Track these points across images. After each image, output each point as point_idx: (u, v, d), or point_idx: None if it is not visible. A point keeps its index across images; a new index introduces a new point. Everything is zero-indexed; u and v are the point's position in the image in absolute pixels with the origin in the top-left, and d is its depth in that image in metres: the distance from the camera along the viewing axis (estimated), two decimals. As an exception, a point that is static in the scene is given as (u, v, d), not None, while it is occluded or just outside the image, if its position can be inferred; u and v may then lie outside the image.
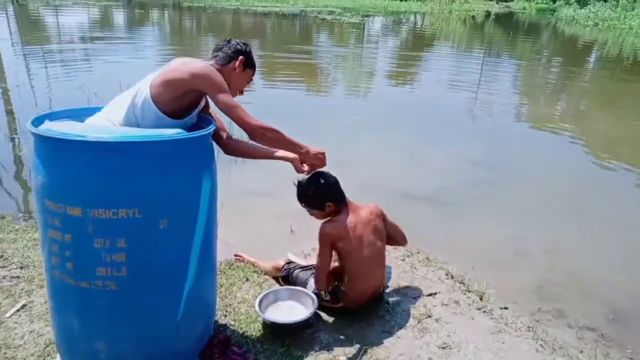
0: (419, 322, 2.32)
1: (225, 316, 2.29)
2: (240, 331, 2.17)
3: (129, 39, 14.03)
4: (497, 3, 40.20)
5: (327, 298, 2.29)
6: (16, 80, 7.20)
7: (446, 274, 2.78)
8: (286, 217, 3.29)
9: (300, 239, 3.09)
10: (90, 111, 1.91)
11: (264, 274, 2.66)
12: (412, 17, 27.56)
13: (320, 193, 2.22)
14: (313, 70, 10.57)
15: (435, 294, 2.56)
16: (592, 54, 16.46)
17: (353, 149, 5.15)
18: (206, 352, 1.95)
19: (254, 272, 2.68)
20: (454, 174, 4.63)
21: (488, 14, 31.87)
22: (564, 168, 5.17)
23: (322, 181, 2.20)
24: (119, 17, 20.31)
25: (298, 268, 2.52)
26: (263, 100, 7.32)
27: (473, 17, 29.78)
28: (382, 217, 2.41)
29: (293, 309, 2.29)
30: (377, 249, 2.31)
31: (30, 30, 14.38)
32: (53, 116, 1.78)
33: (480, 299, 2.57)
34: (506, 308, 2.55)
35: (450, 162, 4.95)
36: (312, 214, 2.32)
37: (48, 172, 1.57)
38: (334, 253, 2.27)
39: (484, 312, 2.45)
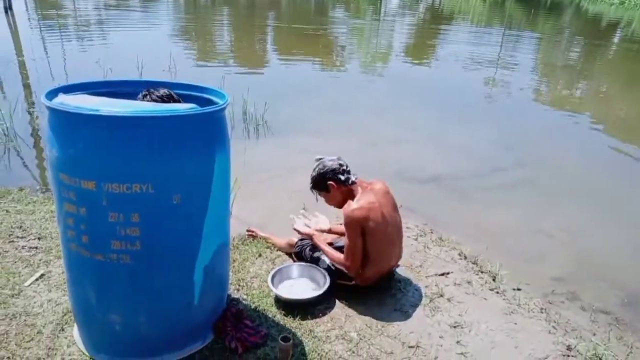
0: (430, 301, 2.31)
1: (238, 290, 2.31)
2: (253, 305, 2.19)
3: (144, 12, 13.96)
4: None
5: (352, 279, 2.29)
6: (33, 53, 7.24)
7: (459, 254, 2.77)
8: (300, 194, 3.29)
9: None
10: (106, 85, 1.90)
11: (277, 250, 2.67)
12: (430, -6, 26.86)
13: (321, 174, 2.26)
14: (328, 46, 10.42)
15: (447, 273, 2.55)
16: (617, 33, 15.93)
17: (368, 129, 5.11)
18: (219, 325, 1.97)
19: (267, 248, 2.70)
20: (470, 155, 4.57)
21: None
22: (582, 151, 5.06)
23: (319, 164, 2.28)
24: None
25: (309, 245, 2.52)
26: (278, 76, 7.27)
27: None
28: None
29: (305, 286, 2.31)
30: (397, 223, 2.32)
31: (47, 3, 14.39)
32: (68, 89, 1.77)
33: (493, 280, 2.56)
34: (519, 289, 2.53)
35: (466, 143, 4.88)
36: (326, 200, 2.35)
37: (62, 146, 1.57)
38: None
39: (497, 292, 2.44)
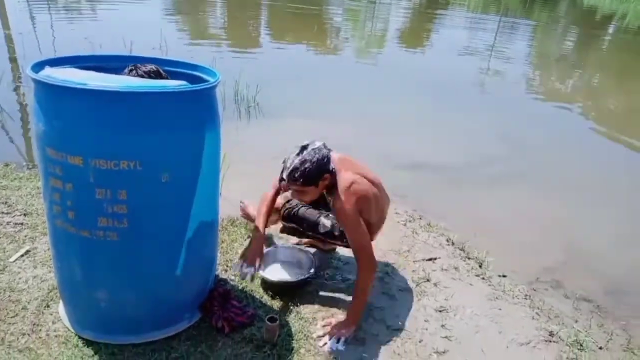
0: (417, 285, 2.34)
1: (226, 271, 2.31)
2: (240, 286, 2.20)
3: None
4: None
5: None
6: (20, 27, 7.06)
7: (447, 240, 2.79)
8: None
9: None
10: (94, 59, 1.86)
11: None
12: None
13: (320, 166, 1.90)
14: (323, 28, 10.32)
15: (435, 259, 2.57)
16: (611, 25, 15.96)
17: (360, 114, 5.09)
18: (206, 305, 1.97)
19: (256, 230, 2.69)
20: (462, 144, 4.59)
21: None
22: (574, 142, 5.10)
23: (315, 154, 1.90)
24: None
25: (303, 206, 2.26)
26: (271, 58, 7.19)
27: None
28: None
29: (292, 268, 2.31)
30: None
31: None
32: (54, 62, 1.73)
33: (480, 266, 2.59)
34: (504, 276, 2.56)
35: (458, 132, 4.89)
36: (300, 196, 2.00)
37: (49, 119, 1.53)
38: None
39: (483, 279, 2.47)
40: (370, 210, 2.03)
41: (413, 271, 2.44)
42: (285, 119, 4.62)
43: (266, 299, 2.14)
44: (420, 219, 3.02)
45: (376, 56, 8.64)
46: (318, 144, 1.95)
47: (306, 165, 1.87)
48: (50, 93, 1.53)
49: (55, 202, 1.63)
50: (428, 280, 2.38)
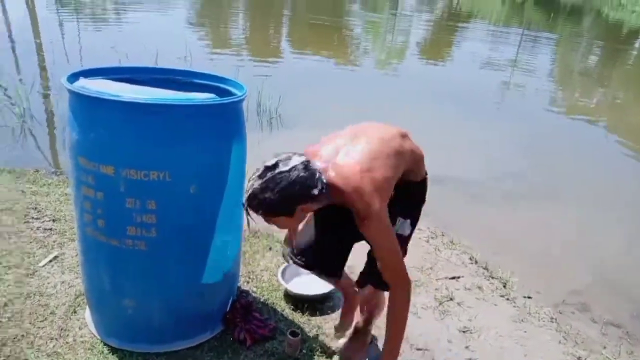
0: (440, 304, 2.30)
1: (248, 282, 2.31)
2: (262, 298, 2.20)
3: (162, 0, 13.96)
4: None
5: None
6: (50, 36, 7.26)
7: (470, 259, 2.75)
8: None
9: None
10: (126, 71, 1.89)
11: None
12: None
13: (288, 196, 1.36)
14: (344, 40, 10.37)
15: (458, 277, 2.54)
16: (637, 40, 15.70)
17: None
18: (229, 316, 1.98)
19: (277, 242, 2.69)
20: (484, 158, 4.53)
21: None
22: (599, 159, 5.00)
23: (280, 179, 1.36)
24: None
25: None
26: (292, 69, 7.25)
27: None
28: None
29: (314, 282, 2.30)
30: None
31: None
32: (88, 73, 1.77)
33: (504, 286, 2.54)
34: (529, 297, 2.51)
35: (480, 146, 4.84)
36: (279, 225, 1.49)
37: (82, 130, 1.57)
38: None
39: (507, 299, 2.42)
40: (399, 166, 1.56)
41: (436, 289, 2.41)
42: (307, 130, 4.62)
43: (288, 312, 2.13)
44: (443, 235, 2.99)
45: (397, 68, 8.64)
46: (294, 161, 1.38)
47: (266, 195, 1.35)
48: (84, 104, 1.56)
49: (86, 210, 1.66)
50: (451, 299, 2.34)
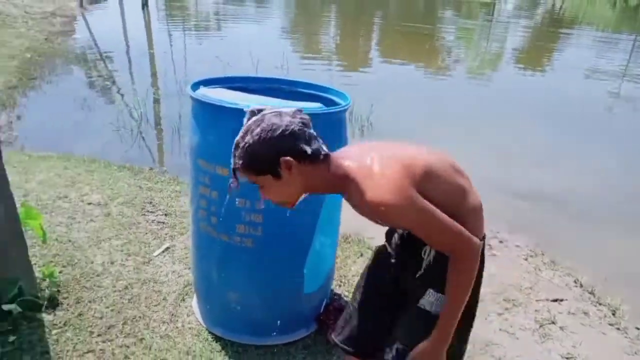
0: (541, 326, 2.18)
1: (340, 286, 2.36)
2: (354, 303, 2.23)
3: (258, 7, 14.71)
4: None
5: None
6: (162, 46, 7.97)
7: (574, 282, 2.57)
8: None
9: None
10: (239, 80, 2.04)
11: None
12: (551, -2, 25.05)
13: (266, 142, 1.12)
14: (436, 48, 10.18)
15: (560, 300, 2.39)
16: None
17: (476, 138, 4.91)
18: (322, 317, 2.04)
19: (368, 248, 2.72)
20: (590, 176, 4.21)
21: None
22: None
23: (259, 125, 1.13)
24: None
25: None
26: (383, 77, 7.27)
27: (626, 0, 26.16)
28: None
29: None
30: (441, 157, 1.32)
31: (173, 2, 15.73)
32: (207, 83, 1.94)
33: (613, 314, 2.35)
34: (643, 329, 2.29)
35: (586, 163, 4.50)
36: (265, 192, 1.25)
37: (203, 133, 1.73)
38: None
39: (617, 329, 2.24)
40: (439, 183, 1.19)
41: (536, 311, 2.29)
42: (398, 139, 4.62)
43: (379, 319, 2.14)
44: (543, 254, 2.83)
45: (492, 76, 8.30)
46: (283, 110, 1.17)
47: (246, 139, 1.14)
48: (206, 111, 1.72)
49: (201, 207, 1.81)
50: (553, 323, 2.21)
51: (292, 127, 1.13)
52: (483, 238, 1.27)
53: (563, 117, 5.81)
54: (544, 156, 4.62)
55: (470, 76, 8.11)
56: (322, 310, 2.08)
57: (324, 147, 1.19)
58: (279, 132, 1.12)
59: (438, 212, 1.12)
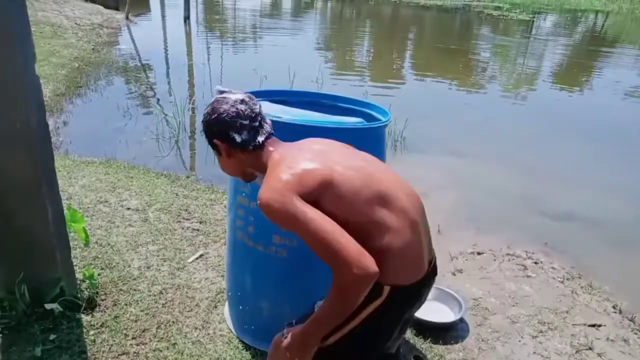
0: (577, 351, 2.12)
1: (370, 301, 2.35)
2: (383, 319, 2.22)
3: (294, 21, 14.97)
4: None
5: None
6: (202, 58, 8.21)
7: (613, 307, 2.48)
8: (433, 215, 3.25)
9: (446, 239, 3.02)
10: (281, 94, 2.09)
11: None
12: (592, 17, 24.49)
13: (206, 123, 1.30)
14: (470, 65, 10.09)
15: (598, 325, 2.31)
16: None
17: (510, 156, 4.84)
18: (352, 332, 2.03)
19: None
20: (629, 198, 4.06)
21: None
22: None
23: (209, 106, 1.31)
24: (287, 5, 21.73)
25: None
26: (417, 92, 7.26)
27: (673, 18, 25.29)
28: None
29: (439, 310, 2.27)
30: (382, 172, 1.30)
31: (212, 11, 16.21)
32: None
33: (655, 344, 2.25)
34: (687, 361, 2.19)
35: (626, 185, 4.35)
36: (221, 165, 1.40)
37: (245, 144, 1.77)
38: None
39: (659, 359, 2.15)
40: (338, 200, 1.16)
41: (572, 335, 2.22)
42: (431, 155, 4.60)
43: (409, 336, 2.13)
44: (580, 277, 2.74)
45: (527, 95, 8.15)
46: (231, 94, 1.30)
47: (204, 112, 1.32)
48: (249, 122, 1.76)
49: (239, 216, 1.86)
50: (590, 349, 2.14)
51: (224, 115, 1.26)
52: (408, 286, 1.19)
53: (600, 138, 5.64)
54: (582, 176, 4.50)
55: (505, 93, 7.99)
56: (352, 323, 2.07)
57: (260, 139, 1.29)
58: (214, 117, 1.28)
59: (319, 223, 1.11)
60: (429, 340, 2.10)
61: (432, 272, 1.29)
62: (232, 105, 1.27)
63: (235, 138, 1.27)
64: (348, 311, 1.15)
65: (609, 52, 13.53)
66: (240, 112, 1.27)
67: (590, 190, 4.20)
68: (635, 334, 2.30)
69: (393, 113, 5.04)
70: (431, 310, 2.27)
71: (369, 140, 1.79)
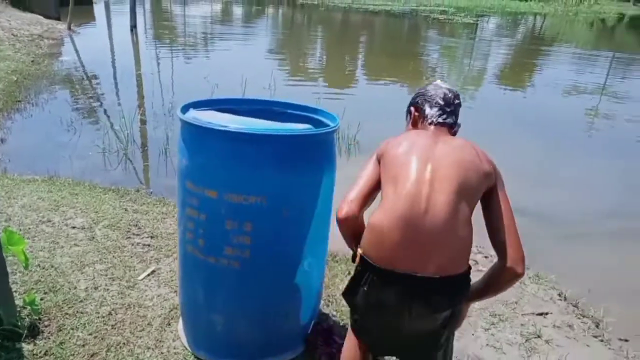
0: (526, 340, 2.20)
1: (328, 306, 2.36)
2: (341, 323, 2.23)
3: (246, 32, 14.88)
4: (635, 4, 35.91)
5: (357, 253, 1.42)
6: (150, 67, 8.00)
7: (559, 295, 2.61)
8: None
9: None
10: (229, 102, 2.06)
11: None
12: (531, 19, 25.77)
13: (413, 97, 1.61)
14: (419, 67, 10.37)
15: (546, 313, 2.42)
16: None
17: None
18: (311, 338, 2.03)
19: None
20: (573, 191, 4.29)
21: (621, 17, 28.68)
22: None
23: (433, 84, 1.58)
24: (238, 12, 21.59)
25: None
26: (369, 96, 7.37)
27: (603, 20, 27.00)
28: (492, 170, 1.45)
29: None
30: (450, 169, 1.35)
31: (161, 18, 15.87)
32: (197, 105, 1.96)
33: (597, 327, 2.38)
34: (626, 340, 2.32)
35: (568, 178, 4.59)
36: None
37: (192, 156, 1.74)
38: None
39: (601, 341, 2.27)
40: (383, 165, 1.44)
41: (522, 325, 2.31)
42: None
43: (367, 338, 2.14)
44: (528, 268, 2.85)
45: (475, 94, 8.46)
46: (445, 84, 1.59)
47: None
48: (195, 133, 1.73)
49: (189, 229, 1.81)
50: (539, 337, 2.23)
51: (429, 92, 1.57)
52: (378, 267, 1.33)
53: (544, 133, 5.93)
54: (526, 171, 4.70)
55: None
56: (310, 330, 2.07)
57: (439, 120, 1.52)
58: (422, 90, 1.60)
59: (364, 172, 1.49)
60: (386, 340, 2.12)
61: (441, 284, 1.30)
62: (441, 89, 1.54)
63: (425, 109, 1.52)
64: (345, 238, 1.50)
65: (548, 50, 14.27)
66: (445, 93, 1.52)
67: (534, 184, 4.39)
68: (579, 318, 2.42)
69: (346, 117, 5.12)
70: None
71: (318, 146, 1.79)
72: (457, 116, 1.55)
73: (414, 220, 1.28)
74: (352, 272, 1.43)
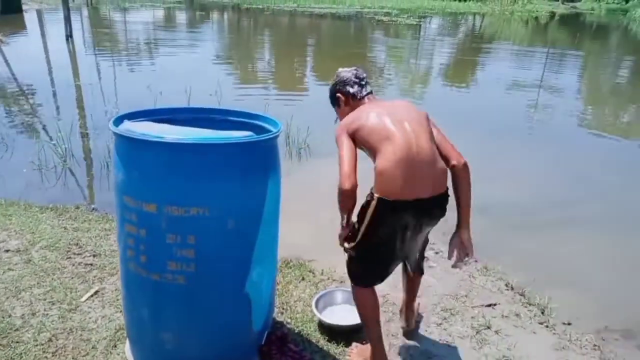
0: (477, 332, 2.26)
1: (282, 313, 2.33)
2: (297, 330, 2.21)
3: (191, 38, 14.57)
4: (563, 3, 38.20)
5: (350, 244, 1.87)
6: (89, 78, 7.66)
7: (506, 285, 2.70)
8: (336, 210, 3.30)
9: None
10: (166, 112, 2.00)
11: (321, 274, 2.69)
12: (470, 18, 26.81)
13: (333, 86, 2.03)
14: (367, 68, 10.50)
15: (494, 305, 2.49)
16: (669, 56, 15.34)
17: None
18: (264, 348, 1.99)
19: (310, 271, 2.72)
20: (515, 184, 4.46)
21: (552, 15, 30.39)
22: (635, 180, 4.85)
23: (335, 76, 2.04)
24: (182, 17, 21.13)
25: None
26: (318, 99, 7.38)
27: (536, 18, 28.49)
28: (425, 116, 1.92)
29: (349, 312, 2.30)
30: (416, 123, 1.81)
31: (101, 26, 15.27)
32: (132, 116, 1.88)
33: (542, 313, 2.48)
34: (569, 324, 2.44)
35: (511, 171, 4.77)
36: (339, 119, 2.07)
37: (127, 170, 1.66)
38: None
39: (546, 326, 2.36)
40: (362, 138, 1.80)
41: (472, 317, 2.37)
42: (334, 158, 4.69)
43: (322, 343, 2.14)
44: (476, 262, 2.94)
45: (421, 93, 8.69)
46: (347, 68, 2.03)
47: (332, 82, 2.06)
48: (129, 146, 1.66)
49: (129, 246, 1.73)
50: (489, 328, 2.30)
51: (345, 77, 2.01)
52: (393, 202, 1.71)
53: (487, 128, 6.16)
54: (470, 166, 4.85)
55: (402, 94, 8.43)
56: (263, 340, 2.03)
57: (363, 92, 1.99)
58: (338, 79, 2.05)
59: (345, 150, 1.78)
60: (341, 344, 2.13)
61: (437, 200, 1.79)
62: (349, 72, 1.99)
63: (350, 90, 1.96)
64: (343, 207, 1.82)
65: (488, 48, 14.89)
66: (357, 72, 1.99)
67: (478, 178, 4.53)
68: (525, 307, 2.51)
69: (296, 121, 5.09)
70: (342, 314, 2.30)
71: (260, 152, 1.76)
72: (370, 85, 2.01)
73: (412, 161, 1.69)
74: (367, 220, 1.75)
